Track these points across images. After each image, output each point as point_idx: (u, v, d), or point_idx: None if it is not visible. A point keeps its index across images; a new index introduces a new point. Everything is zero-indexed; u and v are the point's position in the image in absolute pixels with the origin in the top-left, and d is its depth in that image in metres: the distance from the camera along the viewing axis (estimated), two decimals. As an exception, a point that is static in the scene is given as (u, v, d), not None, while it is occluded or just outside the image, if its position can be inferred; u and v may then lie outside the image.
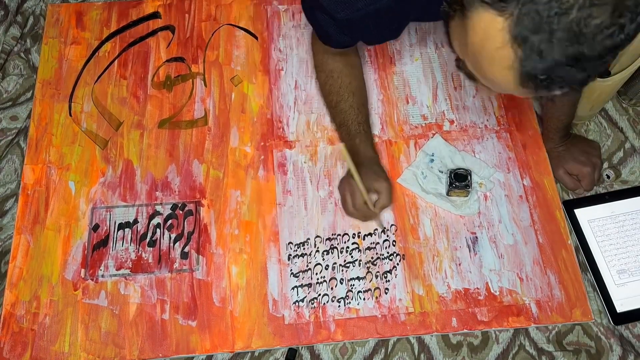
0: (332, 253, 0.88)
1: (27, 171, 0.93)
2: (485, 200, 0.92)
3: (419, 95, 1.01)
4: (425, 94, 1.01)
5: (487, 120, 0.99)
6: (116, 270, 0.86)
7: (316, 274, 0.86)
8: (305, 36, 1.05)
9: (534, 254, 0.88)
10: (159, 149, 0.95)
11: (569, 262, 0.87)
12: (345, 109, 0.89)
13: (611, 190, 0.94)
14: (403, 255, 0.88)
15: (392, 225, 0.90)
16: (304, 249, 0.88)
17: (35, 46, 1.06)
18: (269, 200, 0.91)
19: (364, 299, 0.85)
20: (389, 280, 0.86)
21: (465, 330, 0.83)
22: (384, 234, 0.89)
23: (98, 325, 0.83)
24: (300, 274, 0.86)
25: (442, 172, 0.93)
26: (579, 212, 0.91)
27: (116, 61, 1.03)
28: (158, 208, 0.90)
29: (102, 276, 0.86)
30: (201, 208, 0.90)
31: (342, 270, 0.87)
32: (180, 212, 0.90)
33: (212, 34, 1.06)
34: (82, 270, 0.86)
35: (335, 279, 0.86)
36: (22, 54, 1.05)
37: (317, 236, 0.89)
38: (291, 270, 0.86)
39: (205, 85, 1.01)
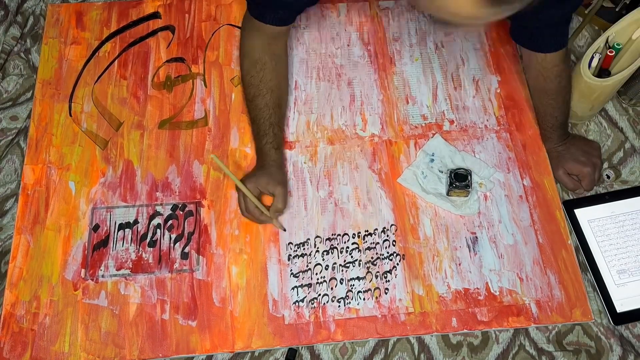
0: (332, 253, 0.88)
1: (27, 171, 0.93)
2: (485, 200, 0.92)
3: (418, 95, 1.01)
4: (425, 94, 1.01)
5: (487, 120, 0.99)
6: (116, 270, 0.86)
7: (316, 274, 0.86)
8: (305, 36, 1.05)
9: (534, 254, 0.88)
10: (159, 149, 0.95)
11: (569, 262, 0.87)
12: (260, 106, 0.88)
13: (611, 190, 0.94)
14: (403, 255, 0.88)
15: (392, 225, 0.90)
16: (304, 249, 0.88)
17: (35, 46, 1.06)
18: (269, 201, 0.91)
19: (364, 299, 0.85)
20: (389, 280, 0.86)
21: (465, 330, 0.83)
22: (384, 233, 0.89)
23: (98, 325, 0.83)
24: (300, 274, 0.86)
25: (442, 172, 0.93)
26: (579, 212, 0.91)
27: (116, 61, 1.03)
28: (158, 208, 0.91)
29: (102, 276, 0.86)
30: (201, 209, 0.91)
31: (342, 271, 0.87)
32: (181, 212, 0.90)
33: (212, 34, 1.06)
34: (82, 270, 0.86)
35: (335, 279, 0.86)
36: (22, 54, 1.05)
37: (317, 236, 0.89)
38: (291, 270, 0.87)
39: (206, 85, 1.01)
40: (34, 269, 0.86)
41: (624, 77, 0.90)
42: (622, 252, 0.88)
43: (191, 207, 0.91)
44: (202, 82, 1.01)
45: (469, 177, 0.89)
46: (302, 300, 0.85)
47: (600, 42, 0.92)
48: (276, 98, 0.90)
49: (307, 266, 0.87)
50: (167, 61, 1.03)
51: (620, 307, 0.85)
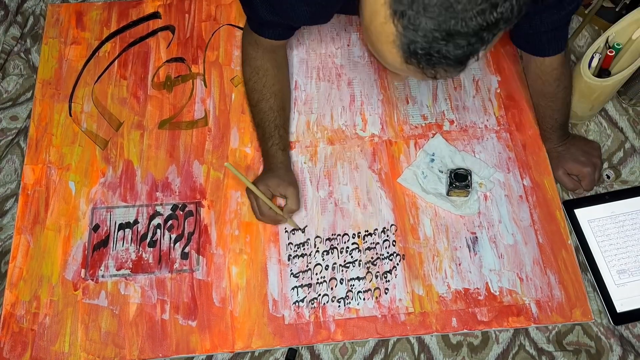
0: (332, 253, 0.88)
1: (27, 171, 0.93)
2: (485, 200, 0.92)
3: (418, 95, 1.01)
4: (425, 94, 1.01)
5: (487, 120, 0.99)
6: (116, 270, 0.86)
7: (316, 274, 0.86)
8: (305, 36, 1.05)
9: (534, 254, 0.88)
10: (159, 149, 0.95)
11: (569, 262, 0.87)
12: (264, 110, 0.89)
13: (611, 190, 0.94)
14: (403, 255, 0.88)
15: (392, 225, 0.90)
16: (303, 249, 0.88)
17: (35, 46, 1.06)
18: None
19: (364, 299, 0.85)
20: (389, 281, 0.86)
21: (465, 330, 0.83)
22: (384, 233, 0.89)
23: (98, 325, 0.83)
24: (300, 274, 0.86)
25: (442, 172, 0.93)
26: (579, 212, 0.91)
27: (116, 61, 1.03)
28: (158, 208, 0.91)
29: (102, 276, 0.86)
30: (201, 209, 0.91)
31: (342, 271, 0.87)
32: (181, 212, 0.90)
33: (212, 34, 1.06)
34: (82, 270, 0.86)
35: (335, 279, 0.86)
36: (22, 54, 1.06)
37: (317, 236, 0.89)
38: (291, 270, 0.87)
39: (206, 85, 1.01)
40: (34, 269, 0.86)
41: (624, 77, 0.90)
42: (622, 252, 0.88)
43: (191, 207, 0.91)
44: (202, 82, 1.01)
45: (469, 177, 0.89)
46: (302, 300, 0.85)
47: (600, 42, 0.92)
48: (280, 101, 0.90)
49: (307, 266, 0.87)
50: (167, 61, 1.03)
51: (620, 307, 0.85)
